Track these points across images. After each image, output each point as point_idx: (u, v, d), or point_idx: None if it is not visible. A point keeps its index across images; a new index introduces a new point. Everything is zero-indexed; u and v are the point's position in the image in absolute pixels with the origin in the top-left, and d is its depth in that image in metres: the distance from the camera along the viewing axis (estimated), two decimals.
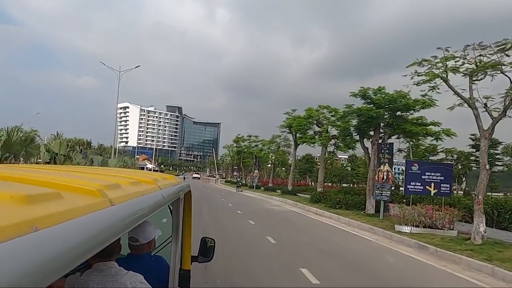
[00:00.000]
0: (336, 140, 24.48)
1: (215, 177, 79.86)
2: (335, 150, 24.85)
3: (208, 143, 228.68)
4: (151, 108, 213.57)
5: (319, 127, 24.76)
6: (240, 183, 41.61)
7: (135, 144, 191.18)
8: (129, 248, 2.23)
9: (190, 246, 2.44)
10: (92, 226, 0.71)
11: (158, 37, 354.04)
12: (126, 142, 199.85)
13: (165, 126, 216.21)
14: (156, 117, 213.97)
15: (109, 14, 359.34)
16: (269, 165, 48.72)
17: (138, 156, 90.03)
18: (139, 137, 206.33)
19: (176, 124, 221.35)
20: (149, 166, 66.45)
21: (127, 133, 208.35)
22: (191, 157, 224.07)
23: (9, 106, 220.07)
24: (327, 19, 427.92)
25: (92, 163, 26.50)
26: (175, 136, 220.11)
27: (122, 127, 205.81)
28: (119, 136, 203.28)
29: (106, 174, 1.51)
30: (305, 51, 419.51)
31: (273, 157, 37.97)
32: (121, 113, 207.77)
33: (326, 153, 24.55)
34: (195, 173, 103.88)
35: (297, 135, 30.88)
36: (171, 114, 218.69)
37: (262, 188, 40.17)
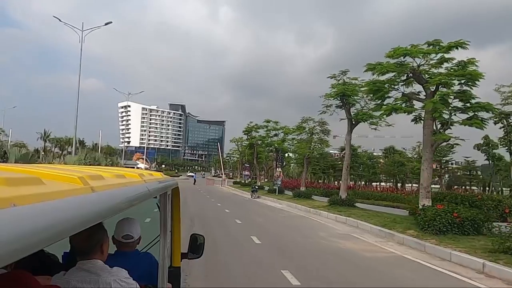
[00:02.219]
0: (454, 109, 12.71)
1: (221, 177, 68.02)
2: (448, 124, 12.95)
3: (213, 142, 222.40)
4: (154, 107, 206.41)
5: (421, 83, 12.91)
6: (256, 186, 29.83)
7: (137, 144, 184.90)
8: (116, 247, 2.18)
9: (179, 243, 2.45)
10: (71, 208, 0.69)
11: (162, 37, 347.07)
12: (128, 142, 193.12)
13: (168, 125, 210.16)
14: (159, 116, 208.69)
15: (112, 15, 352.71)
16: (294, 160, 37.03)
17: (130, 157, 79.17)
18: (141, 137, 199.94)
19: (180, 123, 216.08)
20: (141, 165, 55.14)
21: (129, 133, 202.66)
22: (195, 157, 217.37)
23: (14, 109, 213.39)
24: (332, 13, 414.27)
25: (6, 160, 15.01)
26: (179, 135, 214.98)
27: (123, 127, 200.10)
28: (121, 136, 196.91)
29: (90, 168, 1.50)
30: (310, 47, 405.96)
31: (310, 149, 25.86)
32: (122, 112, 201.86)
33: (436, 130, 12.71)
34: (190, 172, 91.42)
35: (351, 107, 19.18)
36: (174, 113, 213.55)
37: (288, 192, 28.43)
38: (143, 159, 76.03)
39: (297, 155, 37.24)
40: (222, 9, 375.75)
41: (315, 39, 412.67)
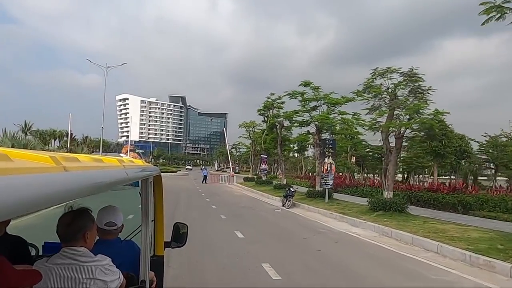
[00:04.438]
0: None
1: (226, 172, 56.53)
2: None
3: (215, 135, 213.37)
4: (153, 99, 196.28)
5: None
6: (291, 190, 18.06)
7: (137, 138, 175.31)
8: (98, 235, 2.06)
9: (162, 231, 2.41)
10: (40, 184, 0.65)
11: (161, 32, 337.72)
12: (127, 137, 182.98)
13: (169, 118, 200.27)
14: (159, 108, 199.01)
15: (111, 10, 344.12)
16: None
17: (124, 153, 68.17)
18: (141, 131, 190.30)
19: (180, 116, 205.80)
20: (124, 156, 44.08)
21: (128, 126, 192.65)
22: (197, 150, 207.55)
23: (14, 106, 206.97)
24: (333, 4, 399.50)
25: None
26: (180, 128, 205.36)
27: (122, 121, 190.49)
28: (119, 130, 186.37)
29: (65, 153, 1.44)
30: (311, 39, 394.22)
31: (402, 120, 13.69)
32: (120, 105, 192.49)
33: None
34: (188, 165, 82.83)
35: None
36: (174, 105, 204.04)
37: (339, 196, 16.53)
38: (135, 152, 64.85)
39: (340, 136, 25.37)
40: (222, 1, 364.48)
41: (316, 31, 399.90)
